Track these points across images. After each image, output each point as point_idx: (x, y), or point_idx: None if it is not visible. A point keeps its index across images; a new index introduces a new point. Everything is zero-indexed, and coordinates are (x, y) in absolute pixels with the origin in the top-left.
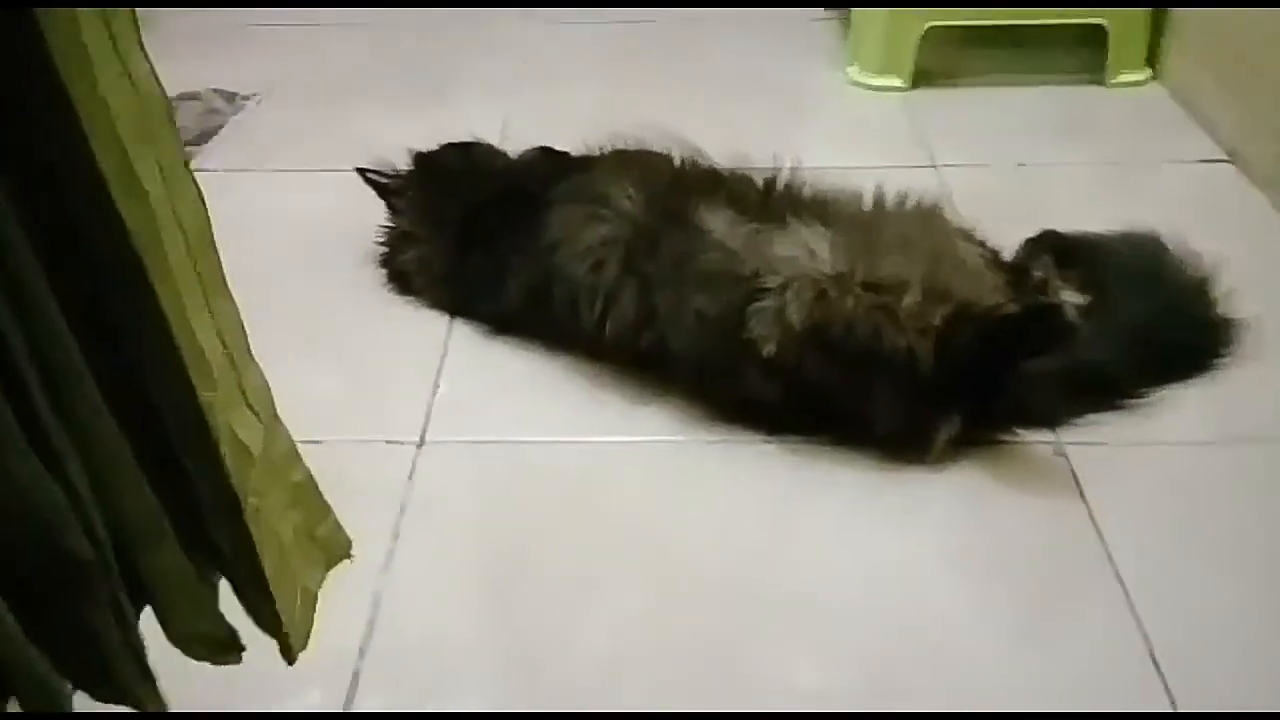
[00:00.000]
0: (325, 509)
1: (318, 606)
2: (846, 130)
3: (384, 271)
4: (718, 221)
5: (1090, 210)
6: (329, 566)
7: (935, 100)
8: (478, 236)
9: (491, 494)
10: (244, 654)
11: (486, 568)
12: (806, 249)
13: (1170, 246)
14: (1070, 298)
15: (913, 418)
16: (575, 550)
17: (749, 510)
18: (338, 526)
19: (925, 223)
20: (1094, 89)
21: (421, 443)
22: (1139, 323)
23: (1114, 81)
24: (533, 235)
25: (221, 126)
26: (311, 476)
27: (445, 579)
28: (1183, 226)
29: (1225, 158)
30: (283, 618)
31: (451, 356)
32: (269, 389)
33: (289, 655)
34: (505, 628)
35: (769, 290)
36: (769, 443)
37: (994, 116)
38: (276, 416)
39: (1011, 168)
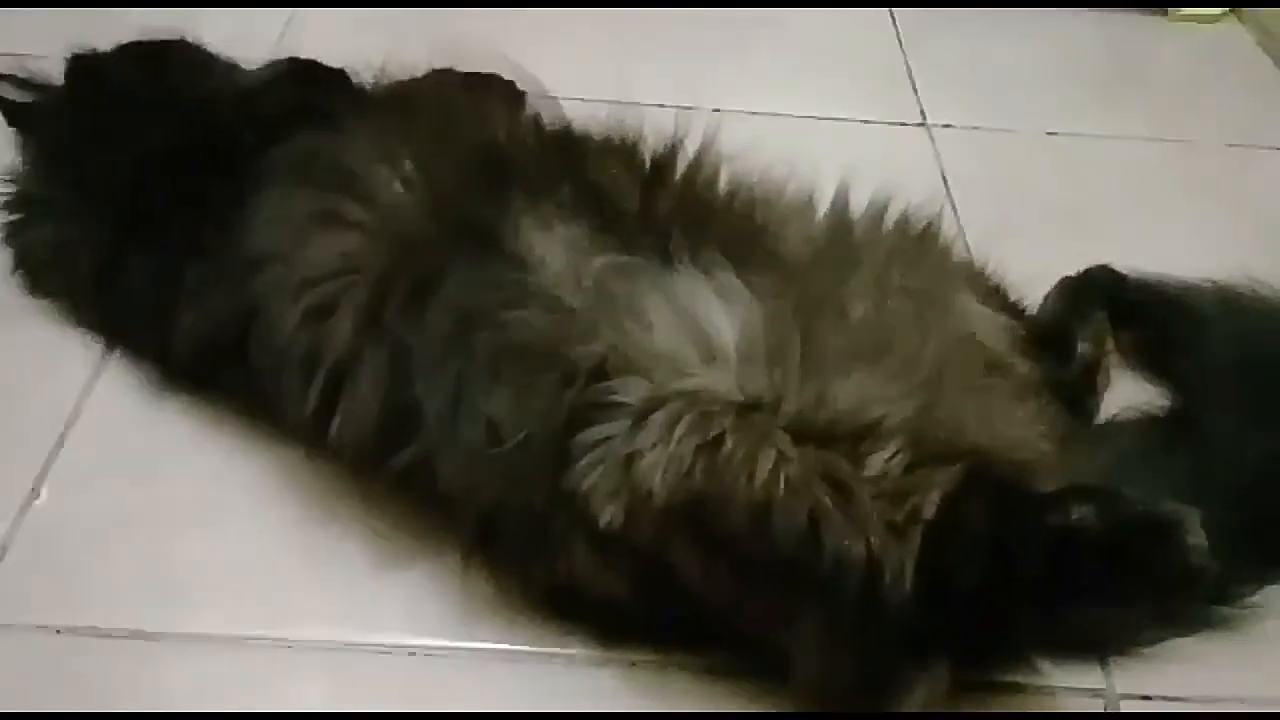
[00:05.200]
0: None
1: None
2: (800, 62)
3: (11, 254)
4: (552, 246)
5: (1160, 222)
6: None
7: (936, 24)
8: (146, 218)
9: None
10: None
11: None
12: (699, 335)
13: None
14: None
15: (865, 667)
16: None
17: None
18: None
19: (916, 263)
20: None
21: None
22: (1256, 463)
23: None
24: (227, 234)
25: None
26: None
27: None
28: None
29: None
30: None
31: (82, 428)
32: None
33: None
34: None
35: (618, 408)
36: (603, 663)
37: (1013, 51)
38: None
39: (1036, 136)
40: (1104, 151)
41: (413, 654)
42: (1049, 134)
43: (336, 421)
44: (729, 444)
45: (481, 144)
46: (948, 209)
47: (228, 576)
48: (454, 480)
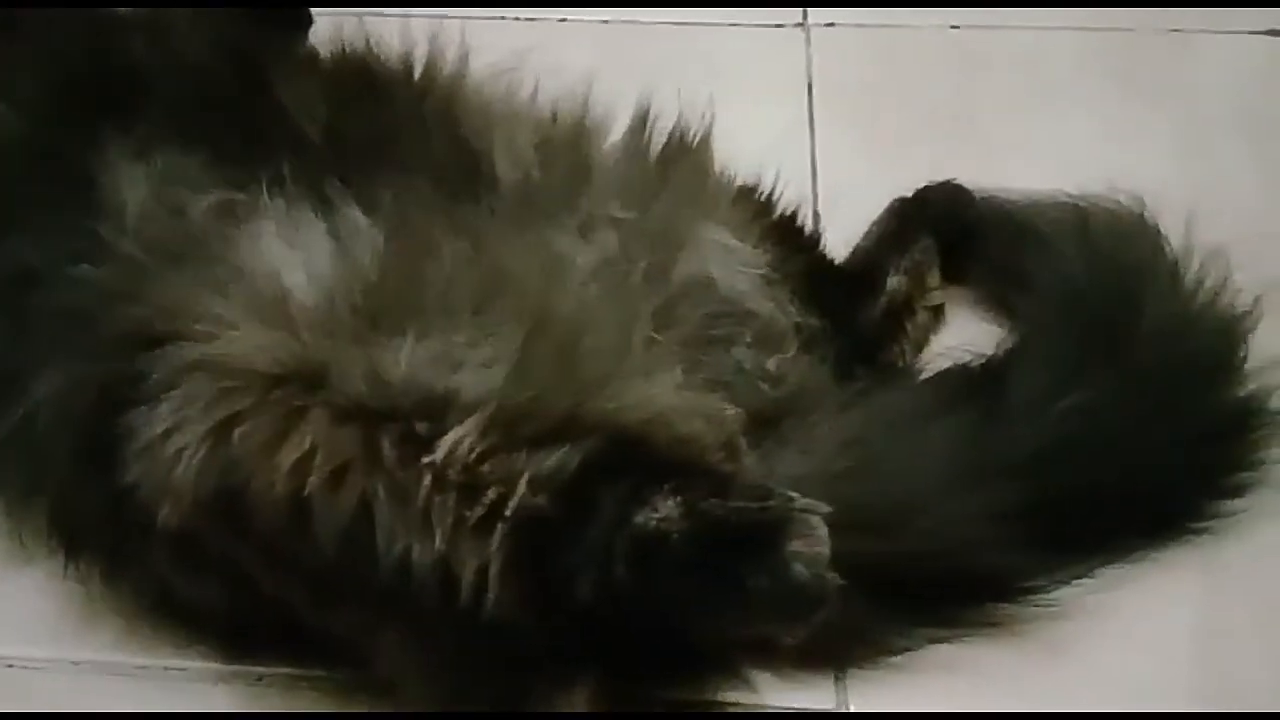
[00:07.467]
0: None
1: None
2: None
3: None
4: (137, 182)
5: (1057, 129)
6: None
7: None
8: None
9: None
10: None
11: None
12: (268, 288)
13: (1165, 239)
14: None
15: (471, 687)
16: None
17: None
18: None
19: (656, 187)
20: None
21: None
22: (1058, 425)
23: None
24: None
25: None
26: None
27: None
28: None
29: None
30: None
31: None
32: None
33: None
34: None
35: (147, 381)
36: (224, 679)
37: None
38: None
39: (937, 31)
40: (1019, 46)
41: (10, 665)
42: (952, 28)
43: None
44: (245, 427)
45: (102, 63)
46: (804, 124)
47: None
48: (18, 475)
